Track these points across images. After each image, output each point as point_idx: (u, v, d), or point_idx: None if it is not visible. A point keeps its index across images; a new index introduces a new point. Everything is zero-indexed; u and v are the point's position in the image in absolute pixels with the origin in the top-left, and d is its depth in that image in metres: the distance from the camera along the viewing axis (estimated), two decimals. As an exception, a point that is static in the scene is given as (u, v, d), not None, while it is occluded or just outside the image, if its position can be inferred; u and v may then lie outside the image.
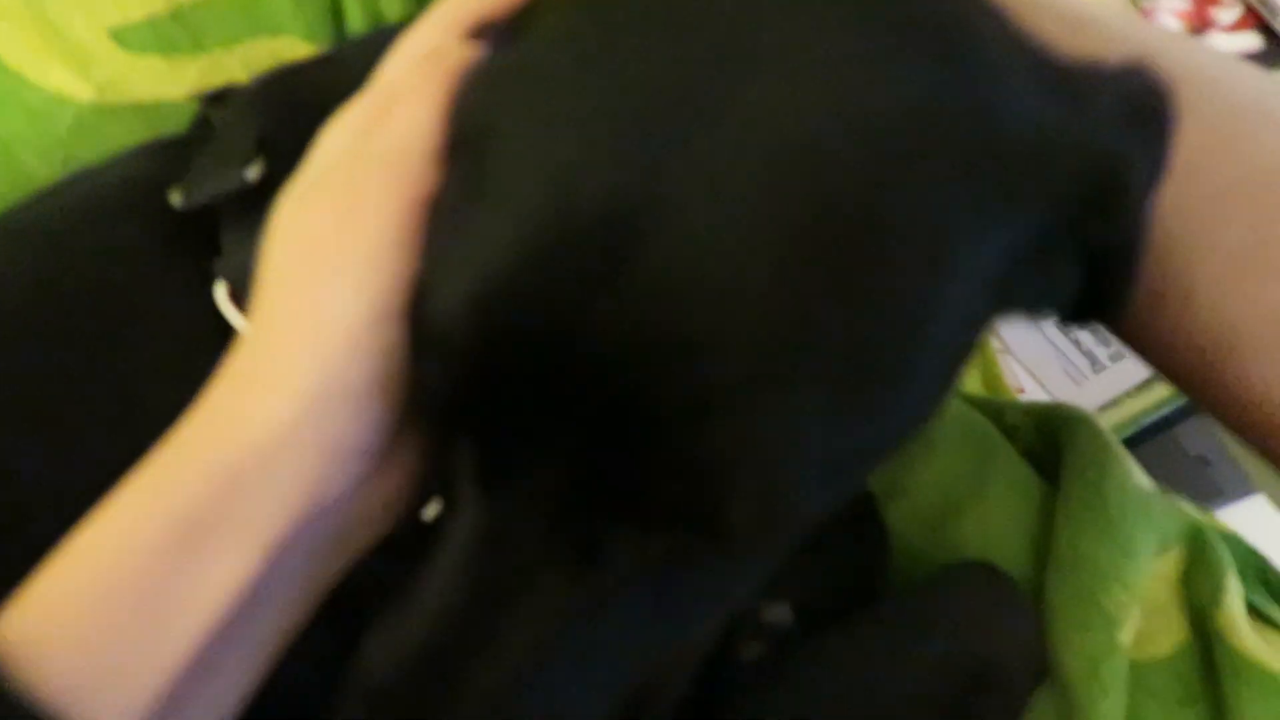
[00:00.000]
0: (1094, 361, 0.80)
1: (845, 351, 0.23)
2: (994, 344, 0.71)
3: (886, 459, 0.26)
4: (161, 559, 0.26)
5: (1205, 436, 0.89)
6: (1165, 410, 0.82)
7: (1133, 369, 0.80)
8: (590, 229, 0.23)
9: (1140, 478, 0.45)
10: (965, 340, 0.26)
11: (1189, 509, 0.45)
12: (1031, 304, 0.28)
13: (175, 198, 0.35)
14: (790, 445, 0.23)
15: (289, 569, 0.28)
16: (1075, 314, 0.30)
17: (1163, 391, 0.82)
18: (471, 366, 0.24)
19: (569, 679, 0.26)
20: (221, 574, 0.26)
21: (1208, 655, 0.41)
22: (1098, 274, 0.28)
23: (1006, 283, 0.25)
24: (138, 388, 0.33)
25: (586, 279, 0.23)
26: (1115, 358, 0.80)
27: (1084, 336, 0.81)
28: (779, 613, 0.42)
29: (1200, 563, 0.43)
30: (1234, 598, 0.41)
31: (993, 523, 0.45)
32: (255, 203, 0.34)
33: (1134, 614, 0.40)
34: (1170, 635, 0.42)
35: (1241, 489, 0.85)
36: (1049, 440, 0.48)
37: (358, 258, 0.27)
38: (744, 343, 0.22)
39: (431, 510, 0.35)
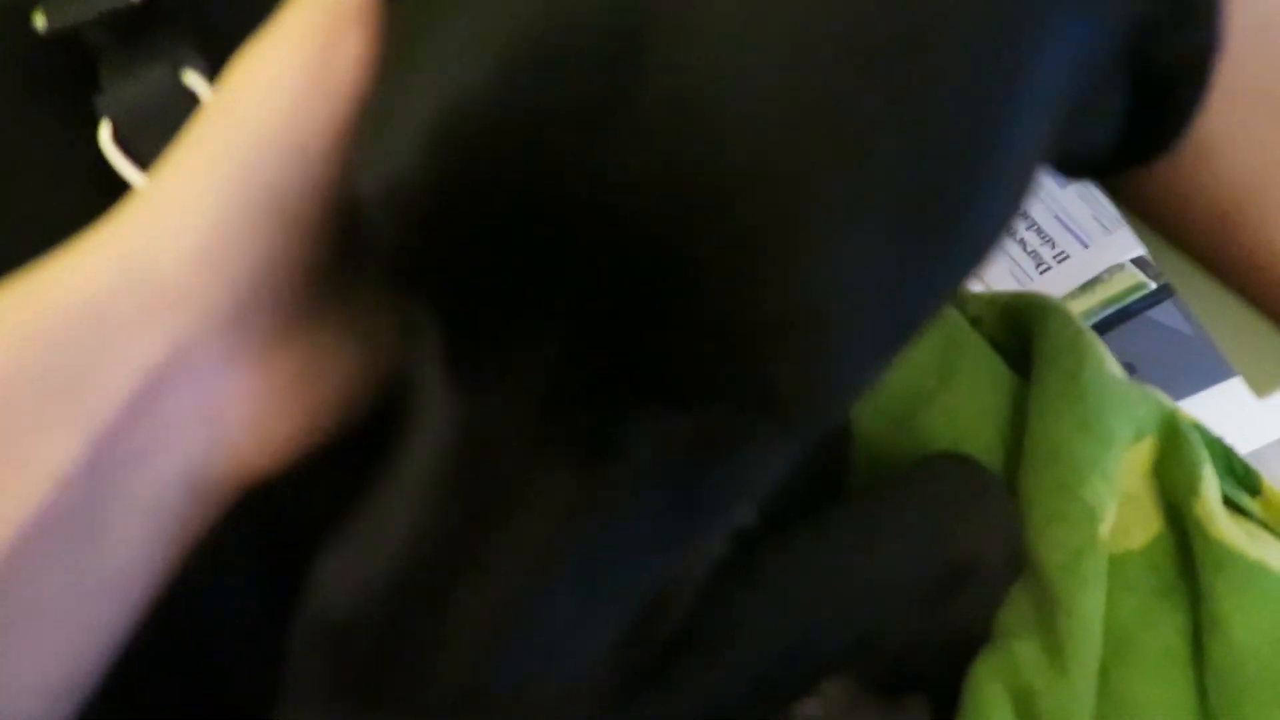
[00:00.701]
0: (1039, 262, 0.79)
1: (907, 181, 0.19)
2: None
3: (937, 314, 0.22)
4: None
5: (1132, 344, 0.90)
6: (1102, 314, 0.81)
7: (1076, 271, 0.79)
8: (587, 36, 0.18)
9: (1114, 366, 0.43)
10: (1028, 175, 0.22)
11: (1162, 398, 0.43)
12: (1084, 144, 0.24)
13: (39, 20, 0.29)
14: (848, 294, 0.19)
15: (139, 472, 0.23)
16: (1113, 161, 0.26)
17: (1101, 295, 0.81)
18: (435, 215, 0.19)
19: (576, 604, 0.22)
20: (41, 453, 0.21)
21: (1183, 546, 0.39)
22: (1152, 105, 0.24)
23: (1072, 110, 0.22)
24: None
25: (584, 99, 0.18)
26: (1060, 259, 0.79)
27: (1029, 236, 0.80)
28: (743, 511, 0.39)
29: (1174, 452, 0.41)
30: (1211, 487, 0.40)
31: (962, 414, 0.42)
32: (140, 28, 0.29)
33: (1113, 506, 0.39)
34: (1144, 527, 0.40)
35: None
36: (1015, 330, 0.46)
37: (255, 92, 0.23)
38: (791, 174, 0.18)
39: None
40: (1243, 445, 0.52)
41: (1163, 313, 0.78)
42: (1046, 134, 0.21)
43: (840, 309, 0.19)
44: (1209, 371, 0.76)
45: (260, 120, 0.23)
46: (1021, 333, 0.45)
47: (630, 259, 0.18)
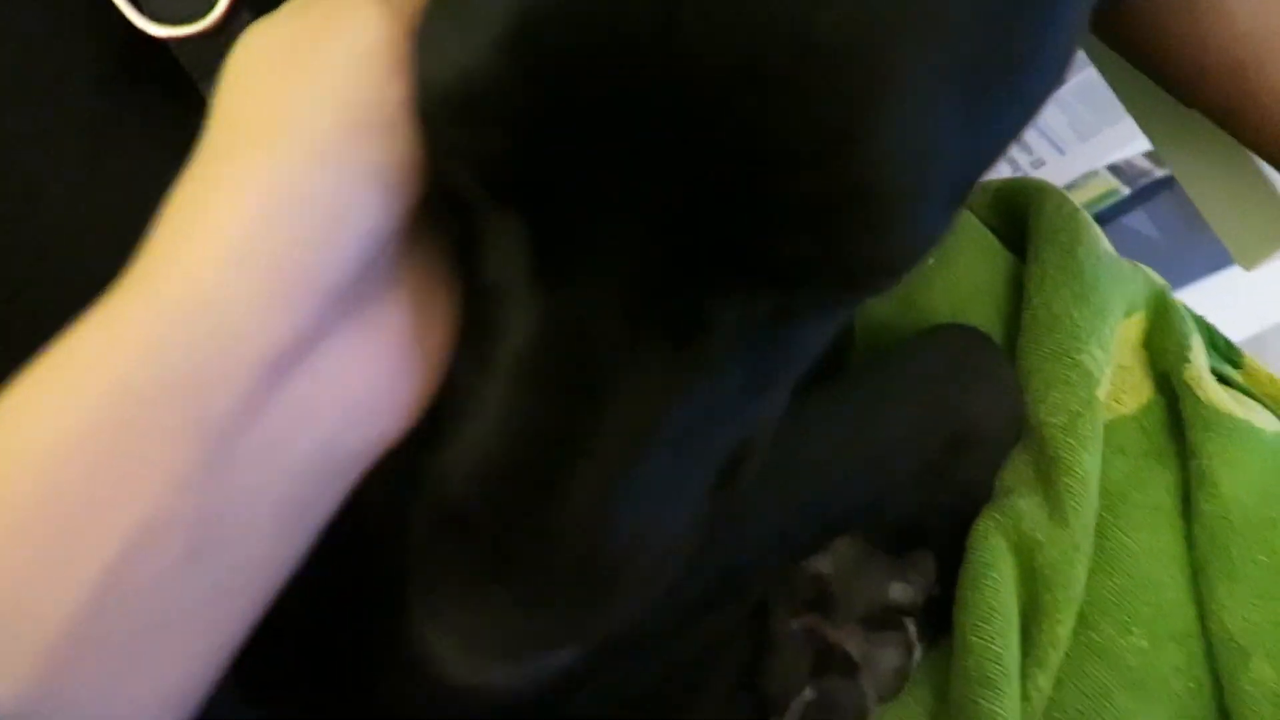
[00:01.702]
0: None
1: (976, 48, 0.19)
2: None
3: (989, 174, 0.23)
4: (86, 453, 0.20)
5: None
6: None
7: (1052, 176, 0.80)
8: None
9: (1106, 243, 0.44)
10: (1074, 39, 0.22)
11: (1152, 275, 0.45)
12: None
13: None
14: (929, 164, 0.19)
15: (268, 463, 0.22)
16: None
17: (1076, 200, 0.83)
18: (521, 114, 0.19)
19: (671, 471, 0.23)
20: (157, 461, 0.20)
21: (1172, 411, 0.41)
22: None
23: None
24: None
25: None
26: (1036, 165, 0.81)
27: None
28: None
29: (1164, 325, 0.43)
30: (1199, 354, 0.41)
31: (961, 290, 0.44)
32: None
33: (1108, 372, 0.40)
34: (1136, 394, 0.42)
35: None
36: (1007, 213, 0.47)
37: (336, 59, 0.22)
38: (875, 44, 0.18)
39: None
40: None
41: (1135, 219, 0.80)
42: None
43: (922, 179, 0.19)
44: (1177, 275, 0.78)
45: (347, 97, 0.22)
46: (1014, 215, 0.46)
47: (717, 139, 0.18)
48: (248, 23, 0.24)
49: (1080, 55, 0.78)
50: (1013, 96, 0.21)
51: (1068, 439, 0.38)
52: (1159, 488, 0.40)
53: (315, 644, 0.34)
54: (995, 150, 0.22)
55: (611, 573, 0.23)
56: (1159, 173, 0.79)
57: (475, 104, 0.20)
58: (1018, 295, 0.43)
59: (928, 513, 0.39)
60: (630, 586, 0.24)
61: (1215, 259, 0.79)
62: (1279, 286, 0.79)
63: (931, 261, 0.45)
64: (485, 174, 0.21)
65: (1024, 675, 0.36)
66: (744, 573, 0.36)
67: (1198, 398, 0.40)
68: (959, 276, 0.44)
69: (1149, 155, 0.80)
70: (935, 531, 0.39)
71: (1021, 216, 0.46)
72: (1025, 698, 0.36)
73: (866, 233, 0.20)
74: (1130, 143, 0.79)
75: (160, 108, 0.30)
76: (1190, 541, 0.38)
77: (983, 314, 0.43)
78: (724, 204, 0.19)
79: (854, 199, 0.19)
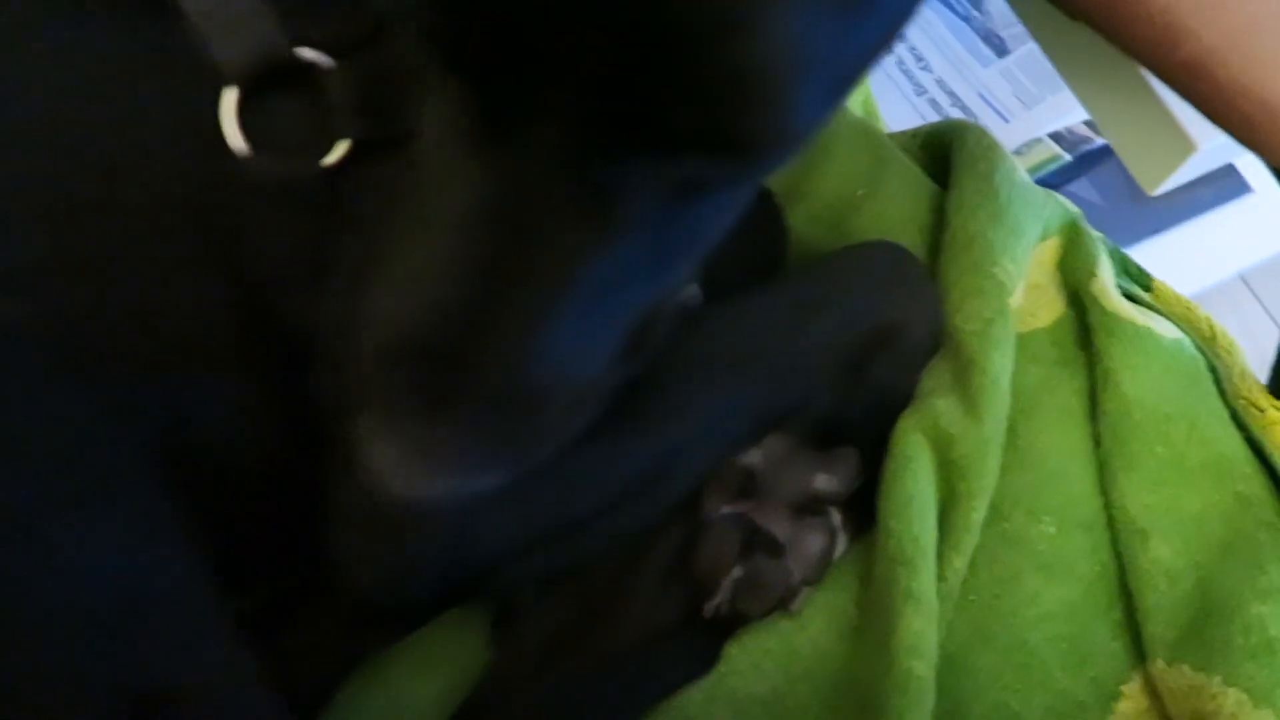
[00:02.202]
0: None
1: None
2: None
3: (869, 70, 0.26)
4: None
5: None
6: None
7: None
8: None
9: (1023, 173, 0.47)
10: None
11: (1066, 202, 0.47)
12: None
13: None
14: (799, 54, 0.22)
15: None
16: None
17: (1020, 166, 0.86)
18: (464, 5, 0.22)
19: (584, 323, 0.26)
20: None
21: (1082, 325, 0.44)
22: None
23: None
24: None
25: None
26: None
27: (953, 113, 0.84)
28: (689, 293, 0.42)
29: (1076, 248, 0.45)
30: (1107, 271, 0.44)
31: (888, 217, 0.46)
32: None
33: (1021, 285, 0.43)
34: (1049, 311, 0.44)
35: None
36: (935, 151, 0.50)
37: None
38: None
39: (333, 156, 0.34)
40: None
41: (1079, 187, 0.83)
42: None
43: (796, 67, 0.22)
44: (1120, 239, 0.81)
45: None
46: (941, 153, 0.49)
47: (624, 22, 0.21)
48: None
49: (1021, 31, 0.81)
50: (876, 9, 0.24)
51: (981, 343, 0.41)
52: (1068, 392, 0.42)
53: (283, 527, 0.36)
54: (865, 54, 0.26)
55: (533, 403, 0.26)
56: (1099, 141, 0.82)
57: None
58: (941, 224, 0.46)
59: (852, 411, 0.41)
60: (549, 419, 0.27)
61: (1157, 223, 0.82)
62: (1216, 248, 0.83)
63: (861, 192, 0.47)
64: (431, 39, 0.23)
65: (940, 558, 0.38)
66: (677, 462, 0.39)
67: (1103, 307, 0.43)
68: (887, 206, 0.47)
69: (1088, 124, 0.83)
70: (860, 430, 0.41)
71: (947, 152, 0.49)
72: (941, 578, 0.38)
73: (746, 109, 0.23)
74: (1071, 111, 0.82)
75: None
76: (1096, 440, 0.41)
77: (909, 239, 0.46)
78: (629, 80, 0.22)
79: (736, 79, 0.22)
